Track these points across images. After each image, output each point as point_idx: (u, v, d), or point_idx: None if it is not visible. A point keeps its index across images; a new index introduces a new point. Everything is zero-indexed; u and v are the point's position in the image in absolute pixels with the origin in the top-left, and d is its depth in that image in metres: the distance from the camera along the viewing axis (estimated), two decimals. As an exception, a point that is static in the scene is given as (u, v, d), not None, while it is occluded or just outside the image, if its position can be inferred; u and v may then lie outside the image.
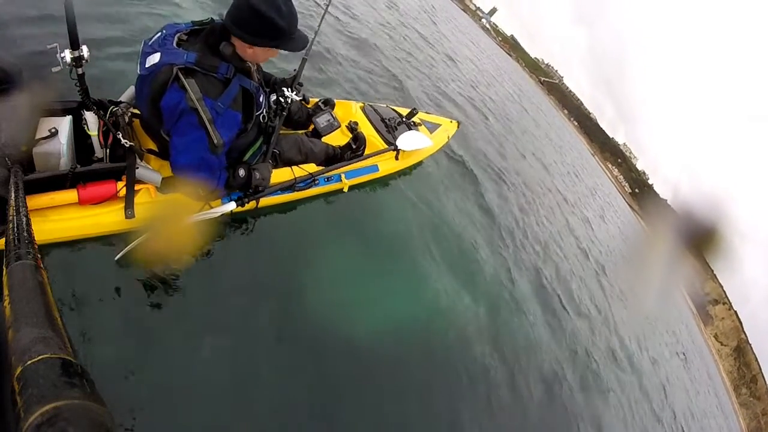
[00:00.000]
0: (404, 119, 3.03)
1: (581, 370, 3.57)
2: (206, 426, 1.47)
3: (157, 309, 1.58)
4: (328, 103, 2.56)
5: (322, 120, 2.48)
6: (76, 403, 0.39)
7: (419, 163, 3.22)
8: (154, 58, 1.44)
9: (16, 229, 0.76)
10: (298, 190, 2.11)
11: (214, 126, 1.42)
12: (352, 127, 2.64)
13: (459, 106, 6.44)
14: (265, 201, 1.98)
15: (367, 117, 2.83)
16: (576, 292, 4.68)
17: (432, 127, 3.39)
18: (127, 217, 1.51)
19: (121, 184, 1.51)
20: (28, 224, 0.81)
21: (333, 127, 2.52)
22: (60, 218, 1.44)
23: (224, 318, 1.69)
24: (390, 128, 2.86)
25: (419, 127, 3.16)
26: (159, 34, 1.51)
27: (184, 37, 1.53)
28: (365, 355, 1.98)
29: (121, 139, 1.49)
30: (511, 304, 3.31)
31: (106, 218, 1.51)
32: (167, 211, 1.59)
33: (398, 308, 2.34)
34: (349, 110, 2.86)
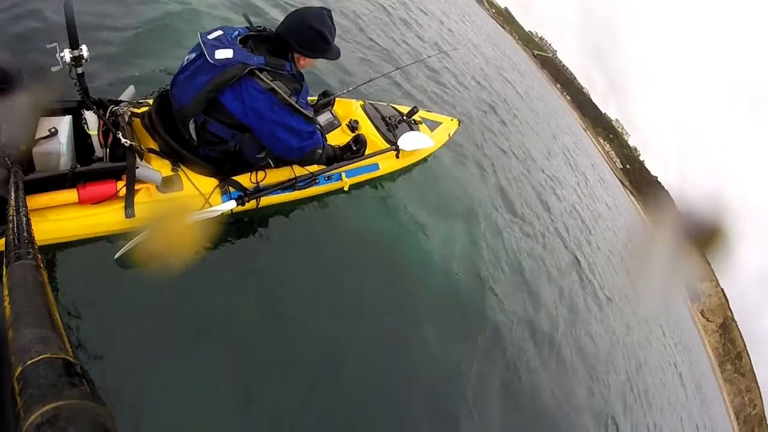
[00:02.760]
0: (405, 118, 3.02)
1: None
2: (205, 425, 1.47)
3: (157, 309, 1.58)
4: (327, 95, 2.55)
5: (322, 119, 2.46)
6: (76, 403, 0.39)
7: (420, 161, 3.25)
8: (227, 53, 1.58)
9: (16, 229, 0.76)
10: (298, 189, 2.10)
11: (304, 109, 1.71)
12: (353, 126, 2.63)
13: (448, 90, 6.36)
14: (266, 200, 1.98)
15: (368, 115, 2.82)
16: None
17: (433, 125, 3.39)
18: (127, 217, 1.51)
19: (121, 184, 1.50)
20: (28, 224, 0.81)
21: (333, 126, 2.52)
22: (60, 218, 1.44)
23: (224, 318, 1.70)
24: (391, 127, 2.85)
25: (420, 126, 3.17)
26: (219, 32, 1.69)
27: (244, 41, 1.71)
28: (355, 352, 1.99)
29: (121, 138, 1.49)
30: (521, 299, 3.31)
31: (106, 218, 1.51)
32: (167, 210, 1.59)
33: (394, 311, 2.34)
34: (349, 108, 2.84)
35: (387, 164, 2.71)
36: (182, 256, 1.65)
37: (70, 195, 1.43)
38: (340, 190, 2.38)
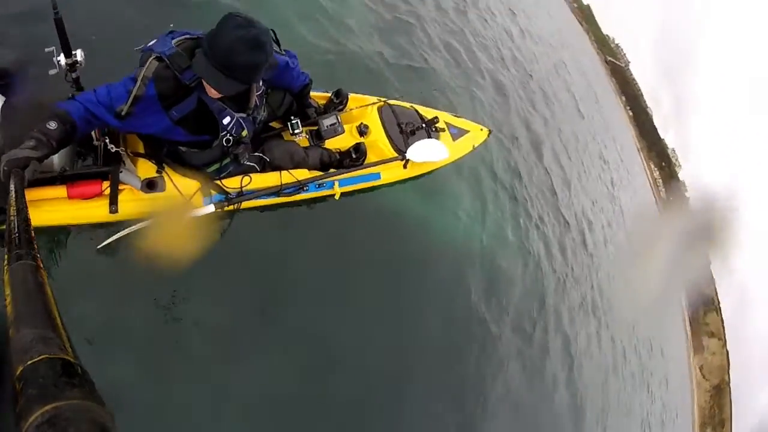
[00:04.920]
0: (425, 124, 2.76)
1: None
2: (204, 423, 1.47)
3: (154, 309, 1.59)
4: (340, 95, 2.39)
5: (326, 122, 2.33)
6: (76, 403, 0.39)
7: (430, 173, 2.96)
8: (150, 42, 1.51)
9: (16, 230, 0.76)
10: (284, 196, 2.05)
11: (134, 102, 1.40)
12: (362, 131, 2.46)
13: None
14: (248, 204, 1.96)
15: (382, 120, 2.60)
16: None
17: (457, 134, 3.05)
18: (111, 212, 1.61)
19: (106, 184, 1.60)
20: (29, 225, 0.81)
21: (336, 132, 2.36)
22: (50, 209, 1.56)
23: (214, 317, 1.72)
24: (405, 134, 2.63)
25: (441, 134, 2.87)
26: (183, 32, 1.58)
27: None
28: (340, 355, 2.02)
29: (108, 143, 1.55)
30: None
31: (92, 211, 1.62)
32: (150, 209, 1.67)
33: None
34: (364, 109, 2.61)
35: (391, 174, 2.53)
36: (167, 255, 1.65)
37: (60, 191, 1.54)
38: (331, 197, 2.30)
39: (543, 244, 4.39)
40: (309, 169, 2.15)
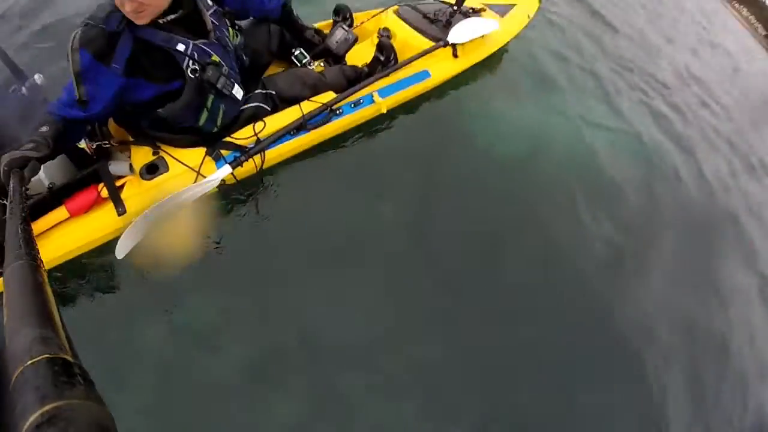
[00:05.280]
0: (458, 7, 2.31)
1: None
2: (206, 424, 1.46)
3: (157, 306, 1.58)
4: (341, 12, 2.10)
5: (333, 40, 1.96)
6: (76, 403, 0.39)
7: (490, 58, 2.42)
8: None
9: (16, 229, 0.76)
10: (313, 129, 1.68)
11: (79, 80, 1.31)
12: (383, 37, 2.06)
13: None
14: (274, 155, 1.65)
15: (403, 19, 2.25)
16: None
17: (502, 10, 2.54)
18: (119, 215, 1.48)
19: (101, 186, 1.49)
20: (28, 224, 0.81)
21: (348, 41, 1.97)
22: (60, 236, 1.44)
23: (228, 314, 1.64)
24: (438, 23, 2.23)
25: (482, 14, 2.40)
26: None
27: None
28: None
29: (86, 142, 1.53)
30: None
31: (101, 222, 1.49)
32: (158, 196, 1.47)
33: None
34: (377, 18, 2.28)
35: (441, 69, 2.11)
36: (183, 246, 1.60)
37: (61, 213, 1.43)
38: (377, 120, 1.89)
39: (654, 122, 3.23)
40: (333, 91, 1.79)
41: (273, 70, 1.99)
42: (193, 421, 1.43)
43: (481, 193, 2.09)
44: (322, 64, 1.96)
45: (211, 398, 1.47)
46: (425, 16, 2.26)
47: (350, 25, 2.08)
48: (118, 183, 1.51)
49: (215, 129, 1.59)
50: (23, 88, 1.50)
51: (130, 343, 1.48)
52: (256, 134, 1.57)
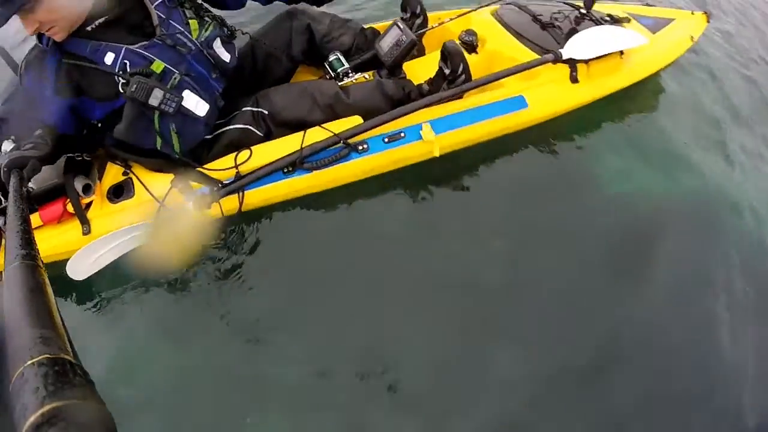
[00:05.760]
0: (588, 9, 1.58)
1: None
2: (206, 424, 1.46)
3: (157, 307, 1.58)
4: (408, 8, 1.53)
5: (385, 43, 1.38)
6: (76, 403, 0.39)
7: (630, 90, 1.61)
8: None
9: (16, 229, 0.76)
10: (314, 169, 1.21)
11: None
12: (467, 42, 1.51)
13: None
14: (257, 199, 1.30)
15: (503, 22, 1.60)
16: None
17: (654, 24, 1.75)
18: (84, 234, 1.36)
19: (68, 201, 1.36)
20: (28, 224, 0.81)
21: (401, 44, 1.33)
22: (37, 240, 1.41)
23: (228, 314, 1.60)
24: (554, 30, 1.54)
25: (624, 24, 1.64)
26: None
27: None
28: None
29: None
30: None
31: (67, 236, 1.40)
32: (123, 221, 1.33)
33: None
34: (466, 18, 1.62)
35: (547, 97, 1.42)
36: (191, 248, 1.46)
37: (36, 218, 1.33)
38: (426, 164, 1.29)
39: None
40: (361, 115, 1.27)
41: (299, 80, 1.59)
42: (193, 421, 1.43)
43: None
44: (366, 76, 1.42)
45: (211, 398, 1.47)
46: (536, 19, 1.57)
47: (422, 25, 1.50)
48: (86, 201, 1.37)
49: (176, 155, 1.28)
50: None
51: (130, 344, 1.48)
52: (236, 166, 1.22)
